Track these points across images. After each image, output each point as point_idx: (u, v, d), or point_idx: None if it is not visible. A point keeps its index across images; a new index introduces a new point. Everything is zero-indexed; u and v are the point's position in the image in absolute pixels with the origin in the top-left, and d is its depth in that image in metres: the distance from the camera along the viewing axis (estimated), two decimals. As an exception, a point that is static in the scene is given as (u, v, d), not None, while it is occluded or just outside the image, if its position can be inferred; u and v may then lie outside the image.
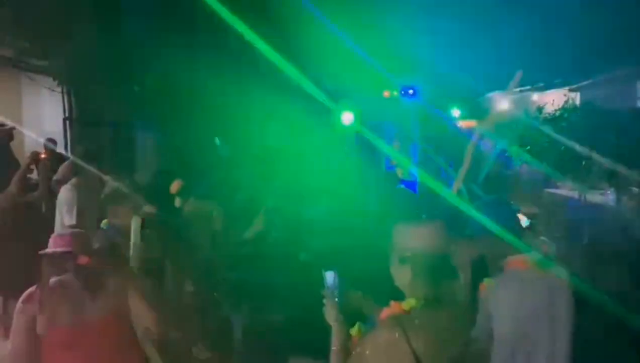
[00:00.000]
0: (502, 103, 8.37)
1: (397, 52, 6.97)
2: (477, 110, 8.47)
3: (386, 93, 7.44)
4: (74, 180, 3.57)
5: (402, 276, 1.39)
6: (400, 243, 1.40)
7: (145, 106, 5.68)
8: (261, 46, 4.30)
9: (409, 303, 1.35)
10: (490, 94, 8.84)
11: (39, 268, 1.85)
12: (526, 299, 1.67)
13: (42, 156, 3.85)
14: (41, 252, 1.85)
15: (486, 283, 1.76)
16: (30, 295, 1.83)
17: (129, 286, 1.86)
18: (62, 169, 4.31)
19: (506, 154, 5.78)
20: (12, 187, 3.35)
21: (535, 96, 8.64)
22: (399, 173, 6.76)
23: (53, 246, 1.86)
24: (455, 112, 7.79)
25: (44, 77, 5.39)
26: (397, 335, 1.28)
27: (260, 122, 6.19)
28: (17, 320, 1.81)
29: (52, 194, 3.72)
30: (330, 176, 4.10)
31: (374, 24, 6.90)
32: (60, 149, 6.33)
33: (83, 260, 1.80)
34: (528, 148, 5.59)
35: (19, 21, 2.63)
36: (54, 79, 4.90)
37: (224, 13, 3.74)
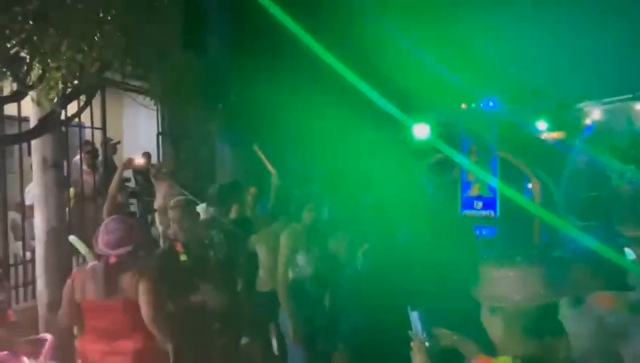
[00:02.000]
0: (596, 114, 7.64)
1: (478, 63, 6.68)
2: (567, 121, 7.81)
3: (464, 105, 7.15)
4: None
5: (492, 328, 1.18)
6: (489, 289, 1.17)
7: (228, 122, 6.08)
8: (337, 63, 4.39)
9: (501, 361, 1.14)
10: (582, 105, 8.10)
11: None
12: (598, 342, 1.43)
13: (136, 162, 4.29)
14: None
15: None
16: (74, 273, 2.39)
17: (139, 288, 2.22)
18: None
19: (606, 173, 5.23)
20: (111, 189, 3.80)
21: (638, 106, 7.74)
22: (476, 189, 6.43)
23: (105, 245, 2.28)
24: (542, 125, 7.24)
25: (142, 97, 6.00)
26: None
27: (334, 140, 6.27)
28: (64, 290, 2.38)
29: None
30: (402, 201, 3.86)
31: (455, 36, 6.71)
32: (154, 160, 6.99)
33: (112, 259, 2.24)
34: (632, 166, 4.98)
35: (127, 49, 2.96)
36: (151, 99, 5.42)
37: (304, 36, 3.88)
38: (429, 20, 6.40)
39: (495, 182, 6.34)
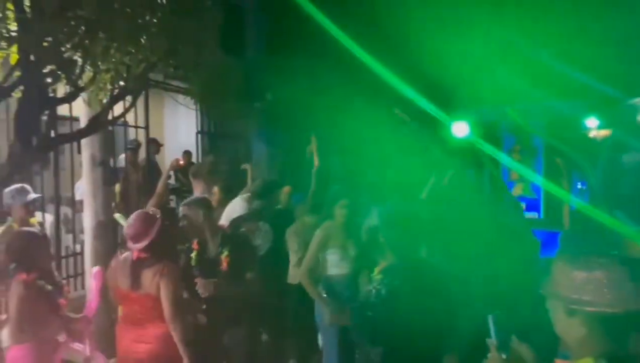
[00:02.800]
0: (652, 110, 7.13)
1: (524, 58, 6.40)
2: (618, 118, 7.33)
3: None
4: None
5: (571, 330, 1.10)
6: (566, 289, 1.08)
7: (264, 121, 6.16)
8: (374, 62, 4.33)
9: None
10: (635, 100, 7.59)
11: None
12: None
13: (181, 163, 4.44)
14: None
15: None
16: (112, 261, 2.51)
17: (160, 284, 2.29)
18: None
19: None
20: (159, 188, 3.93)
21: (701, 101, 7.14)
22: (519, 189, 6.18)
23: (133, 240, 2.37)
24: (592, 122, 6.85)
25: (183, 97, 6.17)
26: None
27: (372, 140, 6.20)
28: (107, 276, 2.53)
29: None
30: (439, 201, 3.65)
31: (500, 30, 6.46)
32: (193, 159, 7.20)
33: (135, 253, 2.32)
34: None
35: (168, 51, 3.05)
36: (191, 98, 5.58)
37: (341, 35, 3.85)
38: (474, 15, 6.19)
39: (540, 182, 6.07)
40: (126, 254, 2.41)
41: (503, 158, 5.78)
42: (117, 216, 3.84)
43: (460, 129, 6.45)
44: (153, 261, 2.30)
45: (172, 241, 2.52)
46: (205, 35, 3.70)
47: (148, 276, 2.27)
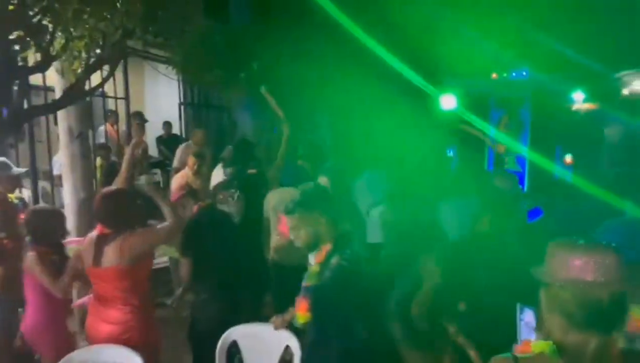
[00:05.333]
0: (636, 84, 7.18)
1: (510, 30, 6.30)
2: (604, 92, 7.38)
3: (494, 75, 6.82)
4: None
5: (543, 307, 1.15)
6: (555, 269, 1.12)
7: (249, 91, 5.98)
8: (361, 32, 4.20)
9: (538, 346, 1.11)
10: (621, 74, 7.61)
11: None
12: None
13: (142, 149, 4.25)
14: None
15: (636, 315, 1.36)
16: (83, 240, 2.43)
17: (126, 253, 2.22)
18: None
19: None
20: (123, 168, 3.77)
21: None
22: (500, 149, 6.11)
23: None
24: (578, 95, 6.86)
25: (164, 67, 5.93)
26: None
27: (358, 111, 6.10)
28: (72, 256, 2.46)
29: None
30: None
31: (485, 2, 6.31)
32: (176, 130, 7.01)
33: (100, 229, 2.28)
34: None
35: (147, 17, 2.87)
36: (173, 68, 5.35)
37: (327, 4, 3.70)
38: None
39: (526, 154, 6.11)
40: (93, 232, 2.35)
41: (490, 130, 5.77)
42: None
43: (448, 101, 6.42)
44: (115, 236, 2.23)
45: (139, 219, 2.39)
46: (187, 1, 3.51)
47: (111, 250, 2.21)
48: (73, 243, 3.07)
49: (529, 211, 3.12)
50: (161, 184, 6.42)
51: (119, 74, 5.07)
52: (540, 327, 1.16)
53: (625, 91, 7.41)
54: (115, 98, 5.37)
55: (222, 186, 2.97)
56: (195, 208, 2.76)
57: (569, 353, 1.08)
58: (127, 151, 3.86)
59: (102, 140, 5.56)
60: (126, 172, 3.33)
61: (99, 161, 5.13)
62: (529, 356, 1.11)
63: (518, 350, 1.17)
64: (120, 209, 2.26)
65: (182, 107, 7.03)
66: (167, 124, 6.69)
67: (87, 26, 2.45)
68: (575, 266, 1.08)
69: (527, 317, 1.29)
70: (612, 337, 1.09)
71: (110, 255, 2.21)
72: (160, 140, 6.70)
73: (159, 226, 2.30)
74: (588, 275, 1.07)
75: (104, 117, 5.74)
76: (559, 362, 1.06)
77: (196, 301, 2.67)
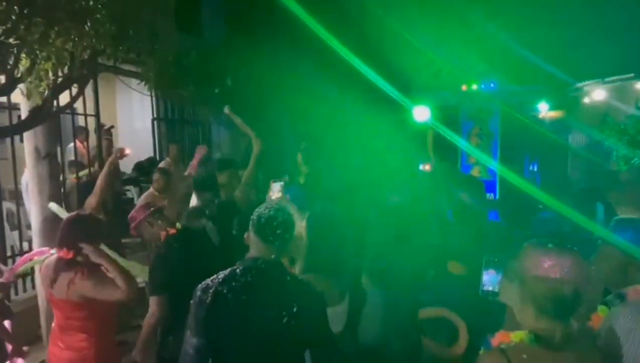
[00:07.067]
0: (597, 94, 7.53)
1: (478, 43, 6.53)
2: (566, 101, 7.71)
3: (464, 87, 7.03)
4: None
5: (508, 296, 1.34)
6: (528, 267, 1.29)
7: (224, 106, 5.94)
8: (336, 45, 4.26)
9: (517, 335, 1.26)
10: (582, 84, 7.98)
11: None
12: None
13: (126, 152, 4.18)
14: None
15: (601, 313, 1.53)
16: (42, 266, 2.35)
17: (74, 284, 2.13)
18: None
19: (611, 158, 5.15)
20: (99, 183, 3.69)
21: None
22: (476, 172, 6.39)
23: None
24: (542, 106, 7.15)
25: (136, 82, 5.83)
26: None
27: (333, 124, 6.16)
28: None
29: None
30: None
31: (454, 16, 6.52)
32: (149, 146, 6.88)
33: (62, 253, 2.19)
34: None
35: (117, 36, 2.83)
36: (145, 84, 5.26)
37: (302, 17, 3.75)
38: (428, 1, 6.21)
39: (495, 165, 6.30)
40: (52, 257, 2.27)
41: (462, 142, 5.94)
42: (52, 205, 3.52)
43: (421, 113, 6.55)
44: (71, 266, 2.15)
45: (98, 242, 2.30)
46: (158, 17, 3.47)
47: (63, 282, 2.13)
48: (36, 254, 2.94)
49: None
50: (135, 201, 6.28)
51: (89, 90, 4.95)
52: (509, 319, 1.33)
53: (586, 100, 7.77)
54: (85, 115, 5.23)
55: (193, 213, 2.90)
56: (163, 234, 2.56)
57: (541, 339, 1.24)
58: (104, 168, 3.78)
59: (71, 158, 5.40)
60: (100, 189, 3.24)
61: (72, 177, 4.99)
62: (513, 346, 1.25)
63: (497, 341, 1.31)
64: (80, 235, 2.18)
65: (156, 122, 6.92)
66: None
67: (53, 48, 2.39)
68: (547, 266, 1.25)
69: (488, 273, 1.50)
70: (571, 322, 1.29)
71: (62, 286, 2.14)
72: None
73: (113, 289, 2.12)
74: (557, 273, 1.24)
75: (74, 134, 5.58)
76: (536, 347, 1.22)
77: (167, 341, 2.46)
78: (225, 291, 1.60)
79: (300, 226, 2.19)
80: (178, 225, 2.61)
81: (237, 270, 1.67)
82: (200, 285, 1.66)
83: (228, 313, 1.60)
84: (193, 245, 2.57)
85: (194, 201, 4.22)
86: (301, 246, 2.16)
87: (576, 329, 1.31)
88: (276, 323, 1.60)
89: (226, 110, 3.72)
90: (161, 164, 5.27)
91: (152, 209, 2.56)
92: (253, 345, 1.60)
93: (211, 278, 1.67)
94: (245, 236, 1.80)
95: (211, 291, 1.61)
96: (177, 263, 2.45)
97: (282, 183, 2.89)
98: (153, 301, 2.37)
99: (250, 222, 1.74)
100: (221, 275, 1.67)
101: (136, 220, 2.59)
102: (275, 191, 2.84)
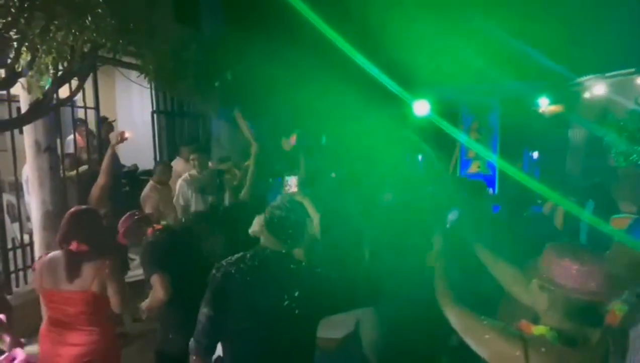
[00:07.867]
0: (597, 88, 7.51)
1: (479, 39, 6.51)
2: (567, 96, 7.70)
3: (464, 82, 7.00)
4: None
5: (538, 300, 1.33)
6: (550, 272, 1.30)
7: (224, 99, 5.93)
8: (336, 39, 4.24)
9: (540, 330, 1.29)
10: (582, 79, 7.96)
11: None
12: None
13: (126, 136, 4.17)
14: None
15: (617, 311, 1.52)
16: (36, 262, 2.34)
17: (101, 274, 2.18)
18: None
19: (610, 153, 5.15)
20: (101, 177, 3.72)
21: (640, 81, 7.59)
22: (475, 167, 6.40)
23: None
24: (543, 100, 7.14)
25: (135, 75, 5.81)
26: (517, 353, 1.25)
27: (333, 117, 6.15)
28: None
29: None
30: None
31: (456, 11, 6.49)
32: (149, 138, 6.88)
33: (74, 245, 2.18)
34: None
35: (119, 29, 2.83)
36: (145, 76, 5.25)
37: (302, 10, 3.73)
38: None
39: (495, 160, 6.31)
40: (53, 253, 2.27)
41: (462, 137, 5.94)
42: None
43: (421, 107, 6.55)
44: (92, 256, 2.18)
45: (111, 236, 2.34)
46: (158, 10, 3.46)
47: (87, 272, 2.16)
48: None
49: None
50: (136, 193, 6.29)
51: (88, 82, 4.93)
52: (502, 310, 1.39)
53: (586, 95, 7.75)
54: (85, 108, 5.22)
55: (197, 219, 2.92)
56: (149, 231, 2.60)
57: (564, 338, 1.26)
58: (105, 160, 3.81)
59: (70, 150, 5.40)
60: (103, 181, 3.26)
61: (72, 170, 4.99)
62: (535, 337, 1.28)
63: (521, 327, 1.33)
64: (97, 228, 2.24)
65: (155, 115, 6.90)
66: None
67: (54, 43, 2.39)
68: (579, 277, 1.26)
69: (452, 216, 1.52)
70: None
71: (87, 277, 2.16)
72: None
73: (121, 288, 2.23)
74: (590, 285, 1.25)
75: (73, 126, 5.58)
76: (558, 346, 1.25)
77: (164, 339, 2.51)
78: (233, 271, 1.76)
79: (315, 220, 2.31)
80: (163, 223, 2.68)
81: (248, 255, 1.82)
82: (216, 264, 1.81)
83: (234, 292, 1.74)
84: (179, 237, 2.68)
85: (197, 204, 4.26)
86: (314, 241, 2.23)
87: (598, 331, 1.32)
88: (277, 305, 1.73)
89: (235, 112, 3.77)
90: (172, 163, 5.29)
91: (136, 217, 2.61)
92: (256, 324, 1.74)
93: (225, 259, 1.83)
94: (252, 229, 1.96)
95: (222, 270, 1.78)
96: (166, 246, 2.53)
97: (296, 177, 2.91)
98: (155, 281, 2.40)
99: (264, 218, 1.87)
100: (234, 257, 1.83)
101: (121, 229, 2.63)
102: (292, 185, 2.87)
